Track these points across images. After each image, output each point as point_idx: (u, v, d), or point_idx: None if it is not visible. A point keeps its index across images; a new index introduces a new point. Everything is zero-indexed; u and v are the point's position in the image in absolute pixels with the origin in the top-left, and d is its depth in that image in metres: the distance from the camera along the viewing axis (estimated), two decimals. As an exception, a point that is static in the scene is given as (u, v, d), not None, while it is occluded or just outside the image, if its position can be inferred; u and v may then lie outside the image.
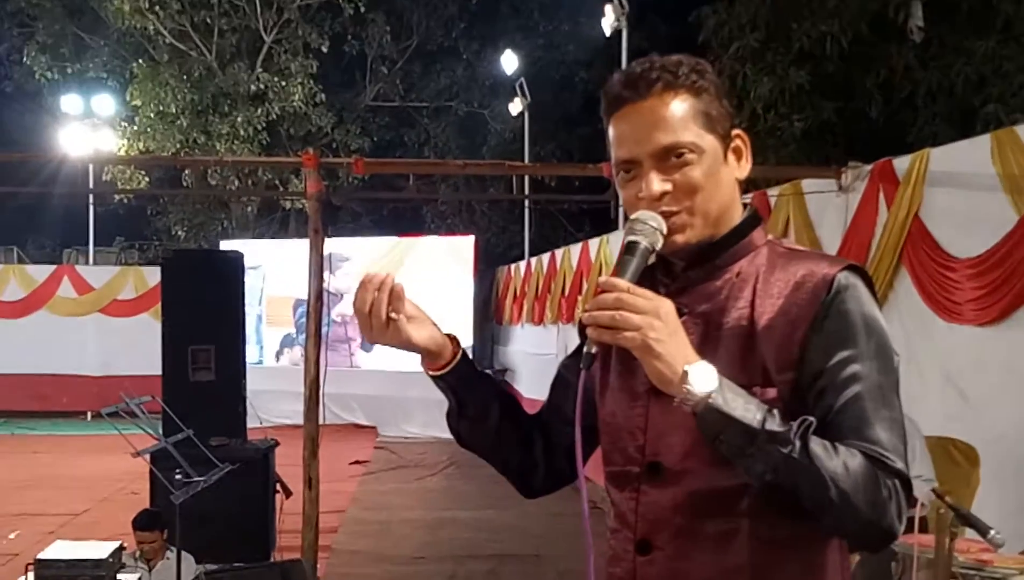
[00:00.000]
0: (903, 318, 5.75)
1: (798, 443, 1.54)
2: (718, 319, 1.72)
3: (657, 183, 1.72)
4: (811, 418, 1.57)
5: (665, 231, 1.70)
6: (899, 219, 5.92)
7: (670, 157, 1.72)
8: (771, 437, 1.54)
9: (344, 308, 16.21)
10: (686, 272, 1.77)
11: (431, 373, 1.92)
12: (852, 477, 1.54)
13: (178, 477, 5.82)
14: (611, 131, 1.79)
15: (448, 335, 1.92)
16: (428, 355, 1.89)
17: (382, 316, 1.81)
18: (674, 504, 1.72)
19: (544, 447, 1.97)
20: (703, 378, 1.55)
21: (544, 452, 1.97)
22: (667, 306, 1.59)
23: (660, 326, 1.57)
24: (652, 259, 1.71)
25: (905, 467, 1.58)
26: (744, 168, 1.80)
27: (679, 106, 1.73)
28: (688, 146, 1.72)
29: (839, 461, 1.54)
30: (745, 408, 1.56)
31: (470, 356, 1.97)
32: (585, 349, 1.64)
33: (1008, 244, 5.04)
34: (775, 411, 1.57)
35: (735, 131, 1.79)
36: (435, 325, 1.90)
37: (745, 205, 1.82)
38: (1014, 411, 5.08)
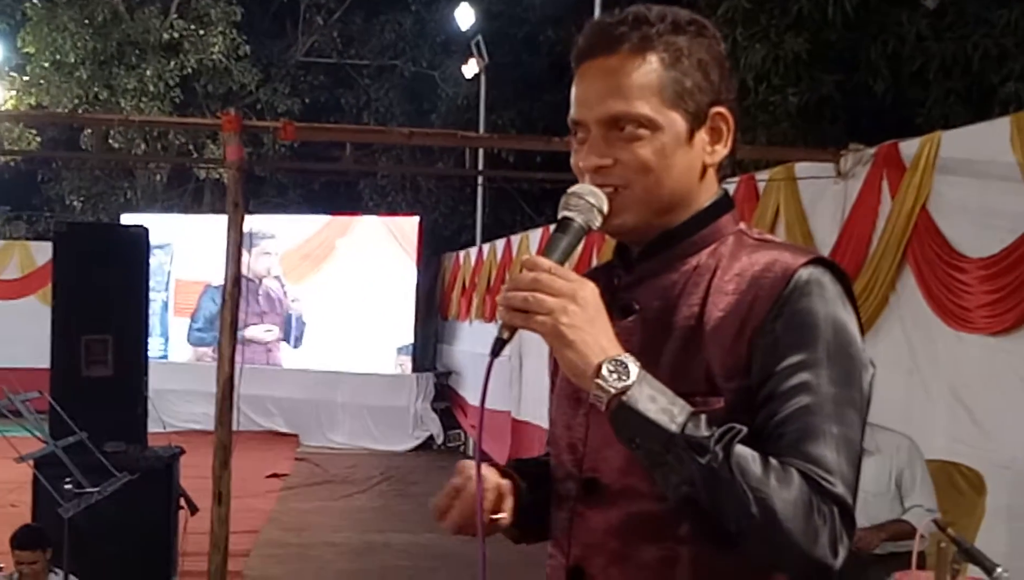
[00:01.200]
0: (906, 325, 5.80)
1: (719, 453, 1.53)
2: (668, 318, 1.72)
3: (595, 156, 1.72)
4: (740, 426, 1.56)
5: (604, 209, 1.70)
6: (904, 211, 5.96)
7: (619, 127, 1.71)
8: (688, 443, 1.54)
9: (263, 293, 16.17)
10: (641, 262, 1.77)
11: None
12: (780, 497, 1.52)
13: (68, 487, 5.77)
14: (572, 88, 1.79)
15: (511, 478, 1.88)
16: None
17: (485, 521, 1.79)
18: (609, 526, 1.73)
19: None
20: (618, 372, 1.56)
21: None
22: (588, 289, 1.60)
23: (575, 311, 1.58)
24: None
25: (848, 494, 1.56)
26: (718, 153, 1.78)
27: (643, 71, 1.72)
28: (640, 119, 1.71)
29: (768, 477, 1.53)
30: (664, 410, 1.56)
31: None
32: (496, 334, 1.65)
33: (1027, 243, 5.10)
34: (702, 416, 1.56)
35: (717, 108, 1.76)
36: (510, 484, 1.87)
37: (726, 192, 1.82)
38: (1027, 433, 5.16)
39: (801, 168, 6.99)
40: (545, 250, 1.67)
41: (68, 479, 5.84)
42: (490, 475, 1.81)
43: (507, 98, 21.63)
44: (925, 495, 4.76)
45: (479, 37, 19.73)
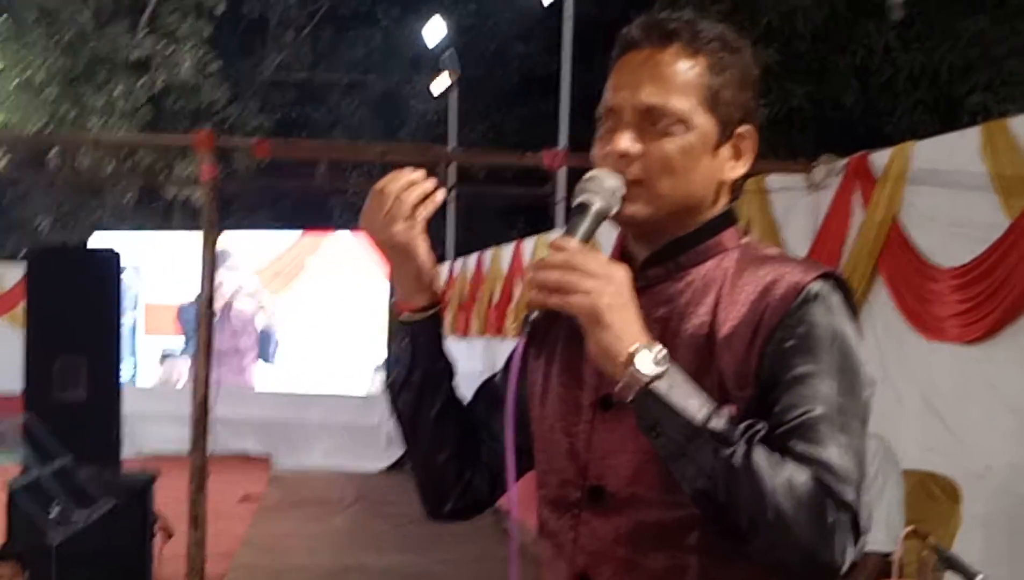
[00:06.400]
0: (878, 334, 5.82)
1: (741, 447, 1.55)
2: (675, 326, 1.72)
3: (625, 141, 1.73)
4: (761, 424, 1.59)
5: (622, 195, 1.72)
6: (876, 222, 5.99)
7: (653, 121, 1.73)
8: (713, 436, 1.55)
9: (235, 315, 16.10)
10: (645, 270, 1.77)
11: (404, 314, 1.89)
12: (796, 497, 1.54)
13: (53, 512, 5.74)
14: (611, 77, 1.80)
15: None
16: (413, 284, 1.87)
17: (408, 204, 1.79)
18: (617, 534, 1.73)
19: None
20: (651, 359, 1.56)
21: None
22: (622, 273, 1.61)
23: (613, 292, 1.58)
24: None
25: (857, 501, 1.58)
26: (737, 169, 1.80)
27: (689, 71, 1.74)
28: (676, 115, 1.72)
29: (784, 477, 1.54)
30: (690, 402, 1.57)
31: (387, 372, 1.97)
32: (525, 314, 1.65)
33: (998, 252, 5.12)
34: (724, 411, 1.58)
35: (744, 127, 1.79)
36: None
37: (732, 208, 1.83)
38: (1001, 441, 5.17)
39: (772, 180, 7.00)
40: (565, 233, 1.68)
41: (55, 505, 5.81)
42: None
43: (478, 113, 21.67)
44: (894, 500, 4.75)
45: (451, 50, 19.74)
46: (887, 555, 4.25)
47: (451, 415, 1.93)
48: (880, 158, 6.13)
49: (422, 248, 1.83)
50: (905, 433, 5.01)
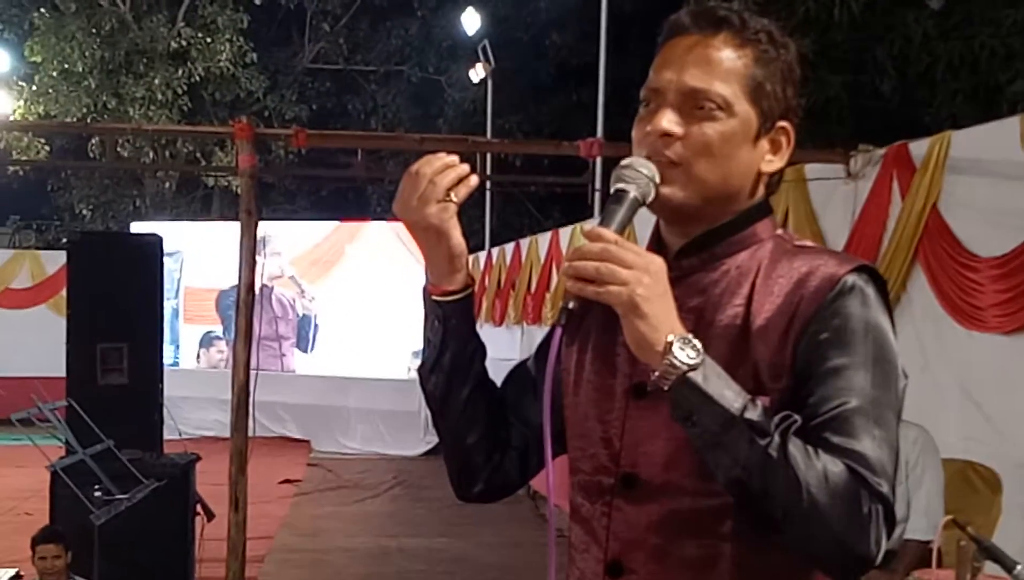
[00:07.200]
0: (917, 324, 5.82)
1: (777, 438, 1.55)
2: (710, 316, 1.73)
3: (668, 120, 1.72)
4: (796, 416, 1.59)
5: (658, 182, 1.71)
6: (915, 211, 5.97)
7: (696, 104, 1.73)
8: (749, 426, 1.55)
9: (276, 301, 16.19)
10: (679, 260, 1.77)
11: (435, 297, 1.88)
12: (831, 488, 1.54)
13: (98, 494, 5.79)
14: (656, 59, 1.80)
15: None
16: (445, 267, 1.86)
17: (442, 187, 1.78)
18: (650, 522, 1.73)
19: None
20: (688, 350, 1.56)
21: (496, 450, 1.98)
22: (658, 263, 1.61)
23: (650, 284, 1.58)
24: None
25: (891, 493, 1.58)
26: (774, 163, 1.80)
27: (736, 58, 1.74)
28: (719, 100, 1.72)
29: (819, 468, 1.54)
30: (726, 392, 1.57)
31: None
32: (562, 304, 1.64)
33: (1039, 242, 5.11)
34: (758, 402, 1.58)
35: (784, 121, 1.79)
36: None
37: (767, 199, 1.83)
38: (1041, 431, 5.16)
39: (810, 169, 6.98)
40: (601, 222, 1.67)
41: (97, 487, 5.86)
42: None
43: (513, 103, 21.65)
44: (933, 489, 4.74)
45: (485, 42, 19.74)
46: (927, 543, 4.25)
47: (482, 397, 1.93)
48: (919, 148, 6.10)
49: (455, 231, 1.82)
50: (945, 423, 4.99)
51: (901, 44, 11.61)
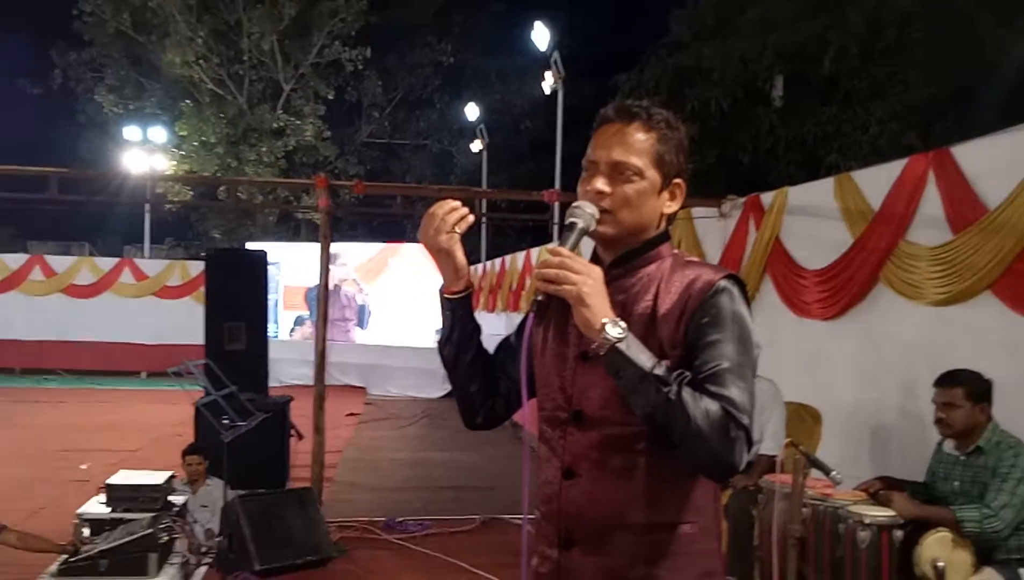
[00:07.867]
0: (766, 313, 5.82)
1: (675, 387, 1.55)
2: (630, 307, 1.71)
3: (600, 183, 1.72)
4: (687, 372, 1.58)
5: (597, 219, 1.71)
6: (764, 239, 5.98)
7: (619, 171, 1.71)
8: (656, 379, 1.55)
9: (343, 295, 16.10)
10: (610, 270, 1.75)
11: (446, 295, 1.86)
12: (710, 420, 1.53)
13: (225, 421, 5.76)
14: (592, 140, 1.77)
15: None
16: (453, 275, 1.83)
17: (452, 221, 1.77)
18: (591, 443, 1.72)
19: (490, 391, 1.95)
20: (615, 329, 1.57)
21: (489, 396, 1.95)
22: (597, 271, 1.62)
23: (591, 283, 1.59)
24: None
25: (750, 424, 1.57)
26: (672, 207, 1.79)
27: (645, 140, 1.73)
28: (634, 168, 1.71)
29: (702, 407, 1.54)
30: (641, 356, 1.57)
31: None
32: (534, 297, 1.65)
33: (845, 260, 5.12)
34: (663, 363, 1.58)
35: (677, 179, 1.78)
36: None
37: (667, 230, 1.82)
38: (846, 384, 5.17)
39: (695, 211, 6.98)
40: (559, 243, 1.67)
41: (225, 416, 5.82)
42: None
43: (501, 165, 21.62)
44: (778, 422, 4.74)
45: (482, 125, 19.72)
46: (773, 457, 4.26)
47: (480, 361, 1.91)
48: (767, 198, 6.11)
49: (459, 252, 1.81)
50: (786, 378, 4.99)
51: (755, 129, 11.65)
